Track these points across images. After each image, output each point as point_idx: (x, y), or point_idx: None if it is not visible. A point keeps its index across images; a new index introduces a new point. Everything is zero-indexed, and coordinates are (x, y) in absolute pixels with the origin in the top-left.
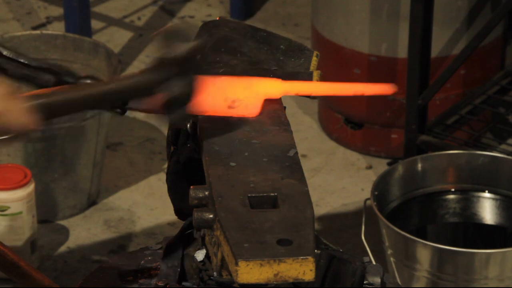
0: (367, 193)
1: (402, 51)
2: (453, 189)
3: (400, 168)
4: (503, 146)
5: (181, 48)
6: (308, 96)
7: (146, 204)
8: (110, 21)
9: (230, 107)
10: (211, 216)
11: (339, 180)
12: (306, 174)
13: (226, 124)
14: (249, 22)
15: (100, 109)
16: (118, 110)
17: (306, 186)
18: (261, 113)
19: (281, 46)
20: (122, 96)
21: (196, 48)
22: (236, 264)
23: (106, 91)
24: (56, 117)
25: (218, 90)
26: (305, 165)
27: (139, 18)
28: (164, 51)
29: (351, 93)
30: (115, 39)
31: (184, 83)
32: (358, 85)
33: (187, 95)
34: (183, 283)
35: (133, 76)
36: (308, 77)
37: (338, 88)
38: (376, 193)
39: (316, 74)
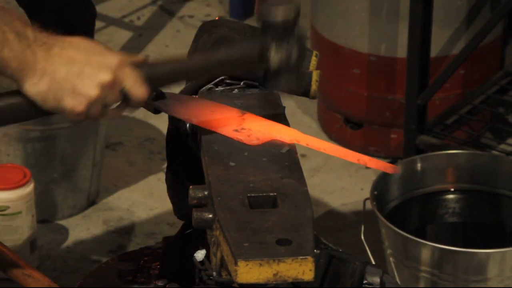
0: (366, 193)
1: (402, 51)
2: (452, 189)
3: (399, 168)
4: (503, 146)
5: (282, 12)
6: (308, 96)
7: (145, 204)
8: (110, 21)
9: (235, 130)
10: (210, 216)
11: (339, 180)
12: (305, 174)
13: None
14: (248, 22)
15: (204, 79)
16: None
17: (306, 186)
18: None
19: None
20: (231, 66)
21: (296, 10)
22: (236, 264)
23: (214, 60)
24: (162, 86)
25: (238, 126)
26: (305, 165)
27: (138, 18)
28: (266, 16)
29: (355, 160)
30: (115, 39)
31: (289, 47)
32: (363, 156)
33: (296, 60)
34: (183, 283)
35: (238, 46)
36: (307, 77)
37: (345, 153)
38: (375, 193)
39: (315, 74)
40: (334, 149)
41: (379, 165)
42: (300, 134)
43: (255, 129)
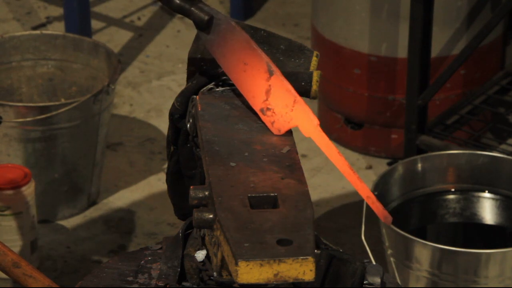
0: None
1: (402, 51)
2: (453, 189)
3: (400, 168)
4: (503, 146)
5: None
6: (308, 96)
7: (146, 204)
8: (110, 21)
9: (262, 109)
10: (211, 216)
11: (339, 180)
12: (306, 174)
13: (226, 124)
14: (249, 22)
15: None
16: None
17: (306, 186)
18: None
19: (281, 46)
20: None
21: None
22: (236, 264)
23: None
24: None
25: (266, 86)
26: (305, 165)
27: (139, 18)
28: None
29: (357, 188)
30: (115, 39)
31: None
32: (367, 191)
33: None
34: (183, 283)
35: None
36: (308, 77)
37: (351, 176)
38: (376, 193)
39: (316, 74)
40: (342, 167)
41: (377, 209)
42: (318, 131)
43: (278, 112)
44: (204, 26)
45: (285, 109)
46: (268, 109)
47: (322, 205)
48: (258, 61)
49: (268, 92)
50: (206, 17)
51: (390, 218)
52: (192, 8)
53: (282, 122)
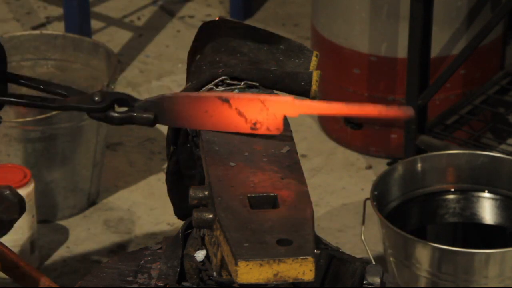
0: (367, 193)
1: (402, 51)
2: (452, 189)
3: (399, 168)
4: (503, 146)
5: None
6: (308, 96)
7: (146, 204)
8: (110, 21)
9: (252, 128)
10: (210, 216)
11: (339, 180)
12: (306, 174)
13: None
14: (249, 22)
15: None
16: None
17: (306, 186)
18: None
19: (281, 46)
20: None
21: None
22: (236, 264)
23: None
24: None
25: (235, 111)
26: (305, 165)
27: (139, 18)
28: None
29: (364, 113)
30: (115, 39)
31: None
32: (373, 107)
33: None
34: (183, 283)
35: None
36: (307, 77)
37: (351, 108)
38: (376, 193)
39: (315, 74)
40: (339, 107)
41: (391, 112)
42: (299, 102)
43: (262, 119)
44: (153, 123)
45: (263, 113)
46: (255, 123)
47: (322, 205)
48: (212, 102)
49: (241, 113)
50: (151, 115)
51: (411, 110)
52: (134, 114)
53: (273, 122)
